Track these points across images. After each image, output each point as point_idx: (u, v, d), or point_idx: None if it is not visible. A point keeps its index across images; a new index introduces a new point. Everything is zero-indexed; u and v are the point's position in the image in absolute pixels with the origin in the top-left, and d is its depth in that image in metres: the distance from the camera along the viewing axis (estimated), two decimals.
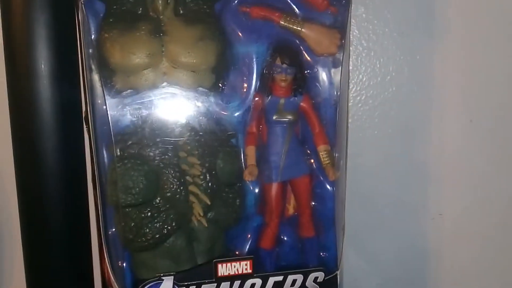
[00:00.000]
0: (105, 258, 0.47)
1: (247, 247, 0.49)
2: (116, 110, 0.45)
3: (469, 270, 0.68)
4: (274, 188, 0.49)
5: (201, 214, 0.46)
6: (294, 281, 0.48)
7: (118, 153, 0.45)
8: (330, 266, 0.50)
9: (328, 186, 0.50)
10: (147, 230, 0.45)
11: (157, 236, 0.46)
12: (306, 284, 0.48)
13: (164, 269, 0.46)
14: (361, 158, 0.64)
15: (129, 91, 0.44)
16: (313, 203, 0.51)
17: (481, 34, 0.62)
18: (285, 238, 0.51)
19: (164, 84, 0.44)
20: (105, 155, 0.45)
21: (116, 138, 0.45)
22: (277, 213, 0.49)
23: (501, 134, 0.64)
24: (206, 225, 0.47)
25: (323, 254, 0.51)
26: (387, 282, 0.67)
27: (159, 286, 0.45)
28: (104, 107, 0.44)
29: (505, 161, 0.65)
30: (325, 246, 0.51)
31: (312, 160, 0.50)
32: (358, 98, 0.64)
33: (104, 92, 0.44)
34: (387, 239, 0.66)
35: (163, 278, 0.45)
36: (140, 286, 0.45)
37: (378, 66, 0.62)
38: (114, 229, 0.47)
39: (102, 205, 0.46)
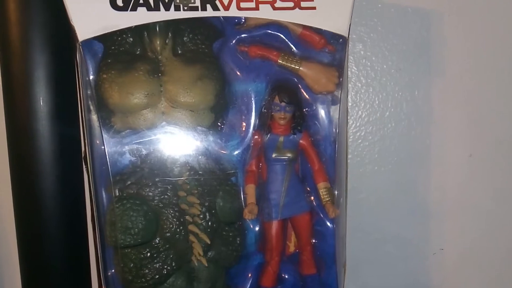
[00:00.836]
0: None
1: (248, 285, 0.49)
2: (115, 150, 0.45)
3: None
4: (274, 226, 0.49)
5: (201, 253, 0.46)
6: None
7: (117, 193, 0.45)
8: None
9: (328, 223, 0.50)
10: (147, 270, 0.45)
11: (157, 276, 0.45)
12: None
13: None
14: (362, 194, 0.64)
15: (128, 131, 0.44)
16: (314, 240, 0.50)
17: (479, 69, 0.62)
18: (287, 276, 0.51)
19: (163, 123, 0.44)
20: (104, 196, 0.45)
21: (115, 178, 0.45)
22: (277, 251, 0.49)
23: (501, 168, 0.64)
24: (206, 265, 0.46)
25: None
26: None
27: None
28: (103, 147, 0.44)
29: (505, 195, 0.65)
30: (327, 283, 0.50)
31: (312, 198, 0.50)
32: (358, 134, 0.64)
33: (103, 132, 0.44)
34: (389, 275, 0.66)
35: None
36: None
37: (377, 102, 0.63)
38: (113, 270, 0.46)
39: (102, 246, 0.46)
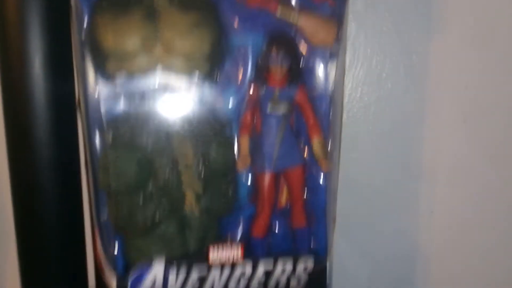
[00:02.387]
0: (97, 243, 0.46)
1: (239, 235, 0.49)
2: (109, 96, 0.44)
3: (459, 268, 0.68)
4: (267, 178, 0.49)
5: (193, 202, 0.46)
6: (284, 269, 0.48)
7: (110, 140, 0.45)
8: (321, 255, 0.50)
9: (321, 178, 0.50)
10: (139, 216, 0.45)
11: (149, 222, 0.46)
12: (296, 272, 0.48)
13: (156, 254, 0.46)
14: (355, 153, 0.64)
15: (122, 76, 0.44)
16: (306, 194, 0.51)
17: (478, 35, 0.62)
18: (277, 228, 0.51)
19: (158, 70, 0.44)
20: (98, 141, 0.45)
21: (109, 124, 0.45)
22: (269, 203, 0.49)
23: (495, 135, 0.65)
24: (198, 214, 0.47)
25: (314, 244, 0.51)
26: (377, 275, 0.68)
27: (150, 270, 0.45)
28: (96, 92, 0.44)
29: (498, 161, 0.65)
30: (316, 236, 0.51)
31: (306, 152, 0.50)
32: (354, 94, 0.64)
33: (96, 78, 0.44)
34: (378, 233, 0.67)
35: (154, 261, 0.45)
36: (132, 271, 0.45)
37: (374, 63, 0.63)
38: (106, 215, 0.46)
39: (95, 191, 0.46)
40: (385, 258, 0.67)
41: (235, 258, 0.47)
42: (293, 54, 0.48)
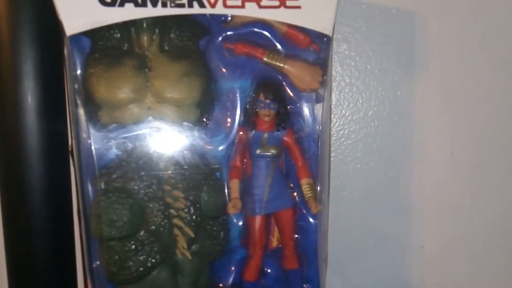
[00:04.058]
0: None
1: (231, 279, 0.50)
2: (101, 144, 0.45)
3: None
4: (258, 221, 0.50)
5: (185, 247, 0.47)
6: None
7: (103, 187, 0.45)
8: None
9: (311, 219, 0.51)
10: (131, 263, 0.46)
11: (141, 269, 0.46)
12: None
13: None
14: (344, 191, 0.65)
15: (114, 125, 0.45)
16: (296, 236, 0.51)
17: (461, 70, 0.63)
18: (269, 270, 0.51)
19: (149, 118, 0.45)
20: (90, 189, 0.46)
21: (101, 171, 0.45)
22: (260, 245, 0.50)
23: (481, 167, 0.65)
24: (190, 258, 0.47)
25: (306, 286, 0.51)
26: None
27: None
28: (89, 141, 0.45)
29: (485, 194, 0.66)
30: (308, 278, 0.51)
31: (295, 193, 0.51)
32: (341, 132, 0.64)
33: (89, 126, 0.44)
34: (370, 270, 0.67)
35: None
36: None
37: (360, 101, 0.64)
38: (98, 262, 0.47)
39: (87, 238, 0.46)
40: None
41: None
42: (280, 98, 0.49)
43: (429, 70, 0.63)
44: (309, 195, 0.50)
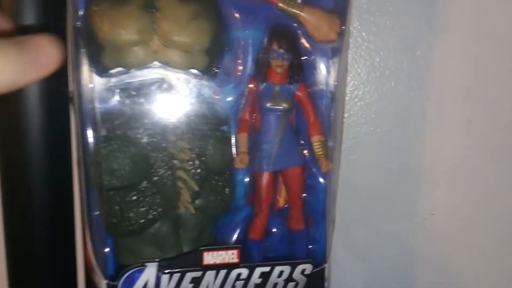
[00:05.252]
0: (88, 243, 0.45)
1: (235, 237, 0.48)
2: (103, 88, 0.43)
3: (459, 272, 0.67)
4: (265, 177, 0.47)
5: (189, 200, 0.45)
6: (281, 272, 0.46)
7: (104, 133, 0.43)
8: (319, 259, 0.48)
9: (320, 178, 0.49)
10: (132, 214, 0.44)
11: (142, 221, 0.44)
12: (293, 276, 0.47)
13: (148, 256, 0.44)
14: (355, 154, 0.63)
15: (117, 69, 0.42)
16: (304, 195, 0.49)
17: (482, 33, 0.61)
18: (274, 230, 0.50)
19: (155, 63, 0.42)
20: (90, 136, 0.44)
21: (103, 117, 0.43)
22: (267, 203, 0.48)
23: (499, 135, 0.63)
24: (194, 212, 0.45)
25: (311, 247, 0.50)
26: (374, 278, 0.66)
27: (142, 273, 0.43)
28: (91, 85, 0.42)
29: (501, 163, 0.64)
30: (314, 239, 0.50)
31: (306, 151, 0.49)
32: (355, 92, 0.62)
33: (91, 69, 0.42)
34: (378, 236, 0.65)
35: (146, 264, 0.43)
36: (123, 272, 0.43)
37: (377, 60, 0.61)
38: (97, 213, 0.45)
39: (86, 188, 0.44)
40: (383, 261, 0.66)
41: (230, 261, 0.45)
42: (295, 49, 0.46)
43: (450, 30, 0.61)
44: (320, 152, 0.48)
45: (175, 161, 0.44)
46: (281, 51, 0.45)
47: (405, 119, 0.63)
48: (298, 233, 0.50)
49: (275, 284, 0.46)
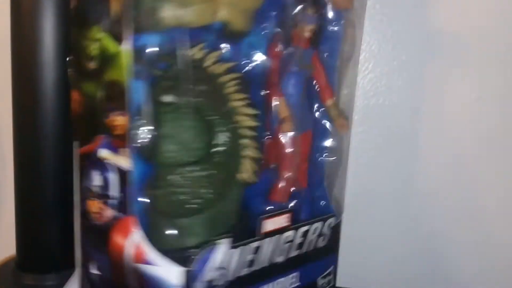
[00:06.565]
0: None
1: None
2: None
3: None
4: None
5: (251, 170, 0.44)
6: (315, 229, 0.49)
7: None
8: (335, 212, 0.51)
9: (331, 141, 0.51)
10: (203, 190, 0.42)
11: (211, 196, 0.42)
12: (323, 230, 0.50)
13: (214, 234, 0.42)
14: (362, 126, 0.64)
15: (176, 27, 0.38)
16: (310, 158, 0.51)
17: (497, 7, 0.61)
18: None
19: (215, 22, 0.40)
20: None
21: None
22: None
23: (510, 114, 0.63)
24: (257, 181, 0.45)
25: (323, 203, 0.52)
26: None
27: (213, 252, 0.41)
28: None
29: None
30: (321, 196, 0.52)
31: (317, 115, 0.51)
32: (366, 64, 0.63)
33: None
34: (382, 215, 0.67)
35: (217, 242, 0.41)
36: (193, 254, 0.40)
37: (390, 32, 0.62)
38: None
39: None
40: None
41: (284, 224, 0.46)
42: (320, 15, 0.47)
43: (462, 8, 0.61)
44: (335, 113, 0.50)
45: (239, 129, 0.43)
46: (315, 16, 0.46)
47: (415, 92, 0.63)
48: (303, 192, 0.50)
49: (310, 241, 0.49)
